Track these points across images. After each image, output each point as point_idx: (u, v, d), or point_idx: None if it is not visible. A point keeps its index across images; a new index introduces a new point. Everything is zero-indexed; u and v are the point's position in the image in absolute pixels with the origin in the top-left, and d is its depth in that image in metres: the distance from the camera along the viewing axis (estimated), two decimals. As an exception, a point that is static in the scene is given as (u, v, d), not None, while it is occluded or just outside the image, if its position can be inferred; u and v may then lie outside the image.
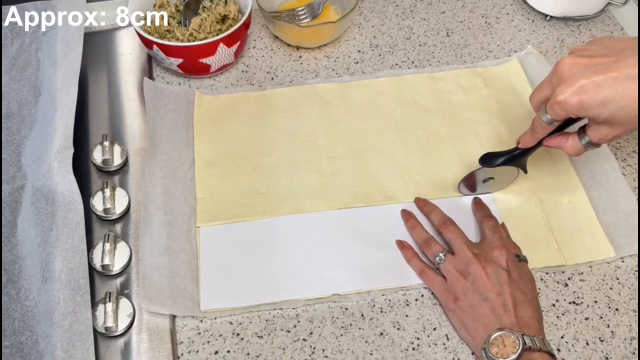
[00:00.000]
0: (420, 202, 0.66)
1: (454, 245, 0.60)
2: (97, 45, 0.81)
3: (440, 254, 0.60)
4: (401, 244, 0.64)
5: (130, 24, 0.76)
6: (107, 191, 0.65)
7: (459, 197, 0.68)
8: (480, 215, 0.64)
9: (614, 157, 0.70)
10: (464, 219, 0.65)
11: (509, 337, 0.53)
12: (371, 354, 0.58)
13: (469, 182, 0.66)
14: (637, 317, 0.60)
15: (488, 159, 0.63)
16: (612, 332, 0.59)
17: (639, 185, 0.69)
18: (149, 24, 0.78)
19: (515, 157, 0.63)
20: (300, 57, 0.83)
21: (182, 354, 0.58)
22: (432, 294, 0.61)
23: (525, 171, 0.64)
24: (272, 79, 0.80)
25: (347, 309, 0.60)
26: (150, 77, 0.80)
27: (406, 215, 0.66)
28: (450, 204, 0.67)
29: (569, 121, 0.58)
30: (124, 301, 0.59)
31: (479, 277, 0.56)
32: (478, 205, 0.66)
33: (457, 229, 0.62)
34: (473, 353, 0.57)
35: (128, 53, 0.81)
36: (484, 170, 0.64)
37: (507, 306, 0.55)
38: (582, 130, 0.58)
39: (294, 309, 0.60)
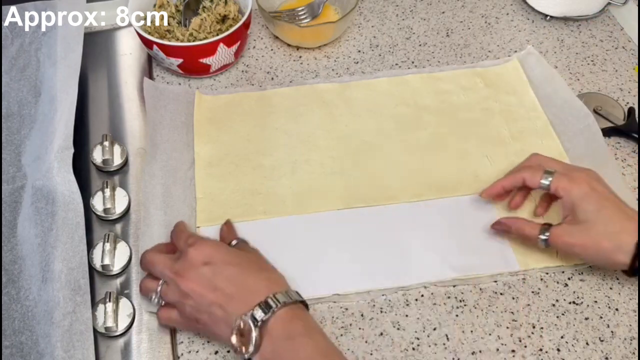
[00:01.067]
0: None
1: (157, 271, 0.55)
2: (97, 45, 0.81)
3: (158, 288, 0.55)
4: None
5: (130, 24, 0.76)
6: (107, 191, 0.65)
7: (459, 197, 0.68)
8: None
9: (614, 157, 0.70)
10: (464, 219, 0.65)
11: (240, 328, 0.49)
12: (371, 354, 0.58)
13: None
14: (637, 317, 0.60)
15: None
16: (612, 332, 0.59)
17: (639, 185, 0.69)
18: (149, 24, 0.78)
19: None
20: (300, 57, 0.83)
21: (182, 354, 0.58)
22: (432, 293, 0.61)
23: None
24: (272, 79, 0.80)
25: (347, 309, 0.60)
26: (150, 77, 0.80)
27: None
28: (450, 204, 0.67)
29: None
30: (124, 301, 0.59)
31: (192, 291, 0.52)
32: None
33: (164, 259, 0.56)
34: (473, 353, 0.57)
35: (128, 53, 0.81)
36: None
37: (226, 307, 0.51)
38: (546, 229, 0.59)
39: (293, 309, 0.60)
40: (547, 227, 0.59)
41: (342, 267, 0.62)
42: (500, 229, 0.63)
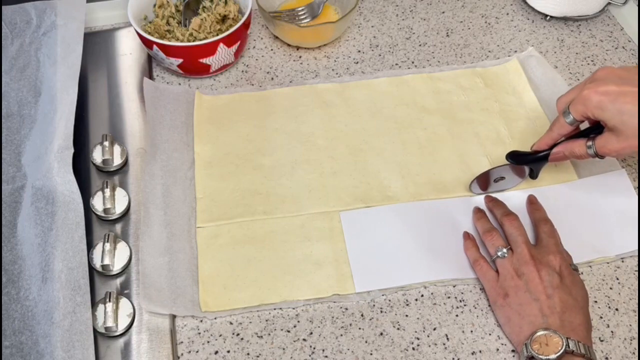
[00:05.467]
0: (487, 198, 0.67)
1: (514, 241, 0.60)
2: (97, 45, 0.81)
3: (503, 249, 0.60)
4: (466, 234, 0.64)
5: (130, 24, 0.76)
6: (107, 191, 0.65)
7: (460, 197, 0.68)
8: (537, 218, 0.64)
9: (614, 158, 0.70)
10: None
11: (553, 337, 0.53)
12: (371, 354, 0.58)
13: (482, 181, 0.67)
14: (637, 317, 0.60)
15: (515, 157, 0.65)
16: (612, 332, 0.59)
17: (639, 185, 0.69)
18: (149, 24, 0.78)
19: (537, 160, 0.65)
20: (300, 57, 0.83)
21: (182, 354, 0.58)
22: (432, 293, 0.61)
23: (536, 177, 0.67)
24: (272, 79, 0.80)
25: (347, 309, 0.60)
26: (150, 77, 0.80)
27: (475, 208, 0.66)
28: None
29: (582, 135, 0.63)
30: (124, 301, 0.59)
31: (532, 279, 0.57)
32: (534, 206, 0.66)
33: (521, 225, 0.62)
34: (473, 353, 0.57)
35: (128, 53, 0.81)
36: (498, 169, 0.66)
37: (555, 309, 0.55)
38: (591, 139, 0.61)
39: (293, 308, 0.60)
40: (591, 142, 0.60)
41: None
42: (557, 158, 0.64)
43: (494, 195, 0.67)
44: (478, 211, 0.66)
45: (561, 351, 0.52)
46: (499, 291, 0.59)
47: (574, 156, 0.63)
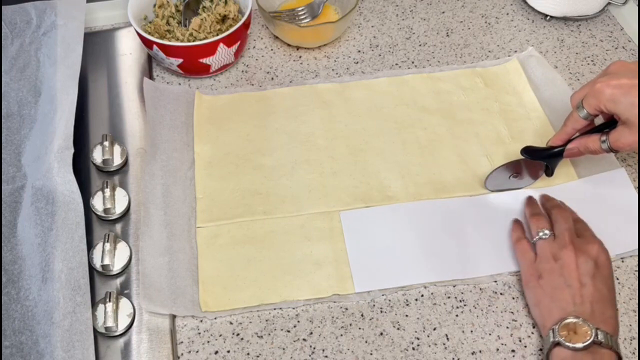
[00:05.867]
0: (542, 196, 0.67)
1: (558, 227, 0.60)
2: (97, 45, 0.81)
3: (545, 230, 0.60)
4: (516, 219, 0.65)
5: (130, 24, 0.76)
6: (107, 191, 0.65)
7: (460, 197, 0.68)
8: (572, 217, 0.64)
9: (614, 157, 0.70)
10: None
11: (582, 326, 0.53)
12: (371, 354, 0.58)
13: (498, 177, 0.67)
14: (637, 317, 0.60)
15: (530, 152, 0.65)
16: (612, 332, 0.59)
17: (639, 185, 0.69)
18: (149, 24, 0.78)
19: (552, 156, 0.65)
20: (300, 57, 0.83)
21: (182, 354, 0.58)
22: (432, 293, 0.61)
23: (552, 174, 0.67)
24: (272, 79, 0.80)
25: (347, 309, 0.60)
26: (150, 77, 0.80)
27: (528, 196, 0.67)
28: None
29: (596, 130, 0.63)
30: (124, 301, 0.59)
31: (568, 265, 0.57)
32: (554, 205, 0.65)
33: (569, 217, 0.61)
34: (473, 353, 0.57)
35: (128, 53, 0.81)
36: (514, 164, 0.66)
37: (587, 297, 0.55)
38: (605, 134, 0.61)
39: (293, 308, 0.60)
40: (605, 137, 0.61)
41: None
42: (571, 153, 0.64)
43: (508, 192, 0.67)
44: (530, 198, 0.66)
45: (589, 341, 0.51)
46: (533, 272, 0.59)
47: (589, 151, 0.63)
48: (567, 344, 0.52)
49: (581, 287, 0.55)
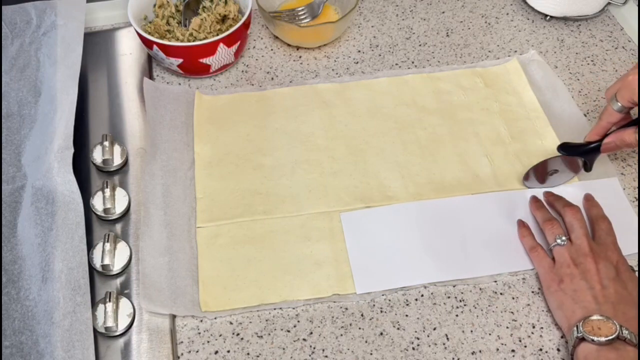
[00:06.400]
0: (546, 193, 0.67)
1: (574, 232, 0.60)
2: (97, 45, 0.82)
3: (563, 237, 0.60)
4: (521, 222, 0.65)
5: (130, 24, 0.76)
6: (107, 191, 0.65)
7: (460, 197, 0.68)
8: (594, 215, 0.64)
9: (611, 164, 0.70)
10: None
11: (607, 323, 0.53)
12: (371, 354, 0.58)
13: (539, 173, 0.67)
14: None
15: (567, 148, 0.65)
16: (612, 332, 0.59)
17: (639, 185, 0.69)
18: (149, 24, 0.78)
19: (589, 151, 0.65)
20: (300, 57, 0.83)
21: (182, 354, 0.58)
22: (432, 293, 0.61)
23: (590, 169, 0.66)
24: (272, 79, 0.80)
25: (347, 309, 0.60)
26: (150, 77, 0.80)
27: (533, 197, 0.66)
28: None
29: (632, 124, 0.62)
30: (124, 301, 0.59)
31: (589, 270, 0.57)
32: (590, 202, 0.65)
33: (582, 218, 0.62)
34: (473, 353, 0.57)
35: (128, 53, 0.81)
36: (553, 160, 0.65)
37: (609, 298, 0.55)
38: (636, 128, 0.61)
39: (293, 308, 0.60)
40: (637, 127, 0.61)
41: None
42: (609, 148, 0.64)
43: (548, 190, 0.67)
44: (536, 201, 0.66)
45: (614, 335, 0.52)
46: (553, 277, 0.59)
47: (625, 144, 0.62)
48: (592, 337, 0.52)
49: (603, 289, 0.56)
